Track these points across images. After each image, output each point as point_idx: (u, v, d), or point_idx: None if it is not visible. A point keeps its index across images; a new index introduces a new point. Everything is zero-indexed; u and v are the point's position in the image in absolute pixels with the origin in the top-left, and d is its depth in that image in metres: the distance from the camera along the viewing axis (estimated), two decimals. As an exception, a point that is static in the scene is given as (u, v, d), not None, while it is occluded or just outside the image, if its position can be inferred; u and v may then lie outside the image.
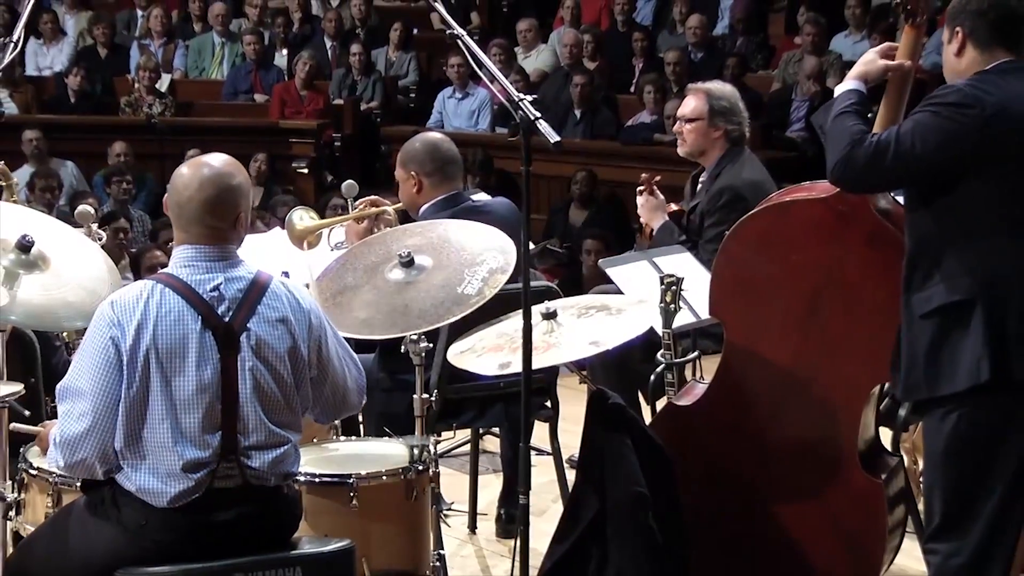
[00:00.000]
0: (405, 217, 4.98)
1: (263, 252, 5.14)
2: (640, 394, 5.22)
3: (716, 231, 5.15)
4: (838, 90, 3.81)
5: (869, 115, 3.75)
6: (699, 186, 5.49)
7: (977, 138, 3.50)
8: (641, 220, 5.60)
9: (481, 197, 5.24)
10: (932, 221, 3.61)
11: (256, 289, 3.38)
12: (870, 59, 3.85)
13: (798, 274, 4.05)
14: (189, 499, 3.29)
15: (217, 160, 3.43)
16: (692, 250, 5.22)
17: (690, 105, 5.40)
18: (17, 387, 3.91)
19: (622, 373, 5.14)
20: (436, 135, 5.14)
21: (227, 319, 3.32)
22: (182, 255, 3.37)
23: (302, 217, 5.01)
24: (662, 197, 5.51)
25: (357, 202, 5.10)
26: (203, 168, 3.39)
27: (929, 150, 3.53)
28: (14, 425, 3.94)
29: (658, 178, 5.58)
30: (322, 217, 5.30)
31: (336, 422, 4.30)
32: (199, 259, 3.36)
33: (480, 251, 4.11)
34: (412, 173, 4.89)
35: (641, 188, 5.51)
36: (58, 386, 3.35)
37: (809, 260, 4.03)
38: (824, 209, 3.91)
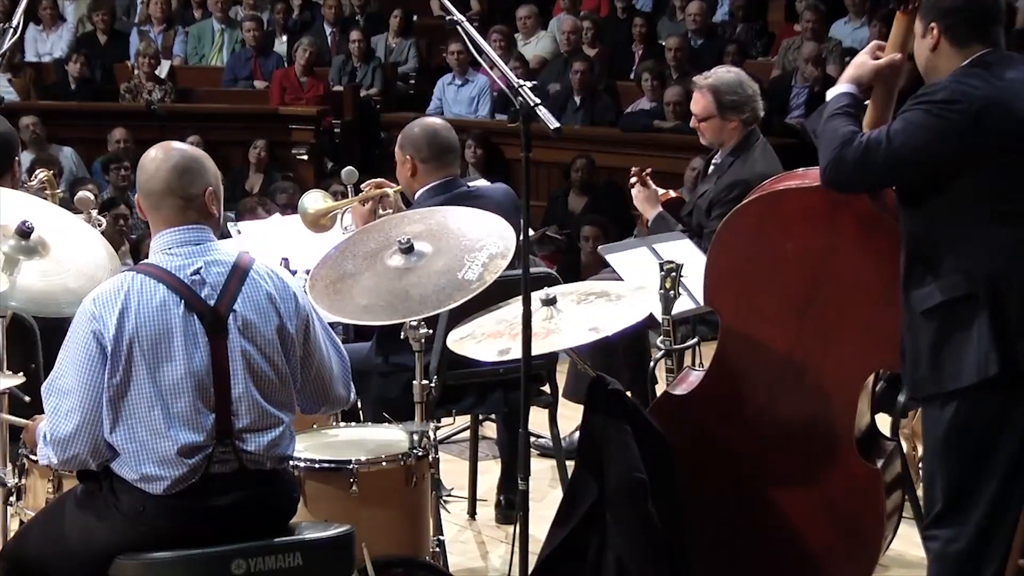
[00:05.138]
0: (407, 199, 4.97)
1: (263, 239, 5.14)
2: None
3: None
4: (830, 93, 3.81)
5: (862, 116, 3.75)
6: (711, 168, 5.52)
7: (968, 133, 3.50)
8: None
9: (479, 183, 5.24)
10: (927, 217, 3.62)
11: (239, 271, 3.39)
12: (860, 61, 3.85)
13: (793, 262, 4.05)
14: (186, 485, 3.29)
15: (184, 143, 3.58)
16: (694, 237, 5.22)
17: (699, 105, 5.47)
18: (17, 379, 3.91)
19: (610, 356, 5.15)
20: (437, 121, 5.12)
21: (212, 302, 3.33)
22: (159, 243, 3.40)
23: (315, 199, 5.00)
24: (655, 187, 5.56)
25: (363, 184, 5.09)
26: (171, 146, 3.49)
27: (920, 148, 3.54)
28: (3, 416, 3.94)
29: (649, 169, 5.64)
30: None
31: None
32: (175, 244, 3.38)
33: (480, 237, 4.11)
34: (408, 157, 4.88)
35: (633, 180, 5.56)
36: (44, 384, 3.36)
37: (803, 248, 4.03)
38: (817, 197, 3.91)
